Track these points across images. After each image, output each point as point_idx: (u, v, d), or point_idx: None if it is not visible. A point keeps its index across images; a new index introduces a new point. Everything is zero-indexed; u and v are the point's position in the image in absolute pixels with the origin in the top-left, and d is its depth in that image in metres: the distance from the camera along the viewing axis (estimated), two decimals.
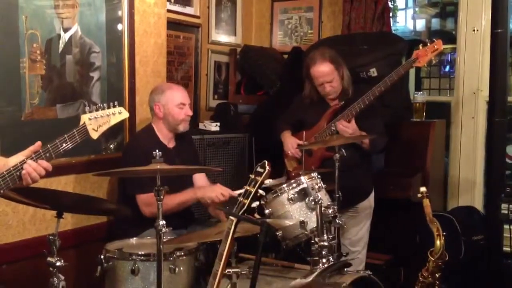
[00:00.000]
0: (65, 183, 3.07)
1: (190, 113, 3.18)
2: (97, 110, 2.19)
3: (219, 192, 2.96)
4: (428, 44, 3.26)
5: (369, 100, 3.26)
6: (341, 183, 3.03)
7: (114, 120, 2.25)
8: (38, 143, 2.08)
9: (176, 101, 3.11)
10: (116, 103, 2.29)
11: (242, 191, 2.96)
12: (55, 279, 2.23)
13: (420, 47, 3.28)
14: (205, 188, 3.10)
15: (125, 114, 2.30)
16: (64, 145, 2.08)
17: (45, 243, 2.26)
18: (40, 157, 2.04)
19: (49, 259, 2.24)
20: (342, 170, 3.03)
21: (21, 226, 2.87)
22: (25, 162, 2.01)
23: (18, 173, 1.99)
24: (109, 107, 2.25)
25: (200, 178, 3.27)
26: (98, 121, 2.18)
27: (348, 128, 3.25)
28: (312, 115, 3.49)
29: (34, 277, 2.77)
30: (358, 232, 3.51)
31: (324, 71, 3.35)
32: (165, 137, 3.15)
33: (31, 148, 2.06)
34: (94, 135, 2.18)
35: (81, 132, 2.14)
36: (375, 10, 4.32)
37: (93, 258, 2.58)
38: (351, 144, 3.23)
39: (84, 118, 2.16)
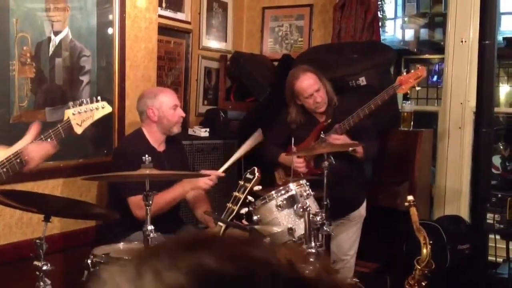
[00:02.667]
0: (52, 187, 3.05)
1: (183, 114, 3.20)
2: (80, 105, 2.20)
3: (205, 178, 2.97)
4: (412, 71, 3.31)
5: (354, 122, 3.28)
6: (334, 194, 3.02)
7: (97, 115, 2.26)
8: (36, 124, 2.10)
9: (169, 103, 3.12)
10: (99, 97, 2.31)
11: (226, 166, 3.01)
12: (41, 283, 2.22)
13: (404, 73, 3.33)
14: (191, 179, 3.08)
15: (108, 109, 2.31)
16: (49, 140, 2.09)
17: (32, 247, 2.24)
18: None
19: (35, 263, 2.22)
20: (334, 180, 3.03)
21: (7, 229, 2.85)
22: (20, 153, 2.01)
23: (18, 160, 2.00)
24: (92, 102, 2.25)
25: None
26: (82, 116, 2.19)
27: (339, 140, 3.25)
28: (300, 133, 3.47)
29: (20, 281, 2.74)
30: (348, 240, 3.52)
31: (310, 82, 3.36)
32: (156, 140, 3.15)
33: (34, 128, 2.08)
34: (78, 130, 2.19)
35: (65, 127, 2.15)
36: (365, 19, 4.35)
37: (80, 263, 2.55)
38: (343, 155, 3.24)
39: (68, 113, 2.16)
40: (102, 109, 2.28)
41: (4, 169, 1.98)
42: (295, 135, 3.47)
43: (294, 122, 3.48)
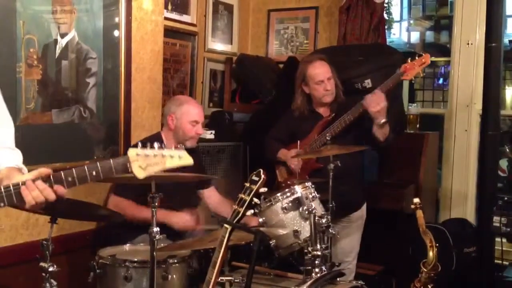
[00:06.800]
0: None
1: (201, 132, 3.16)
2: (152, 147, 1.81)
3: (182, 222, 2.95)
4: (416, 58, 3.31)
5: (358, 113, 3.28)
6: (335, 193, 3.04)
7: (170, 164, 1.84)
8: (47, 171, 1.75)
9: (190, 117, 3.09)
10: (181, 145, 1.93)
11: (211, 227, 2.98)
12: (48, 284, 2.22)
13: (409, 61, 3.32)
14: (171, 213, 2.97)
15: (186, 160, 1.86)
16: (94, 173, 1.73)
17: (38, 248, 2.25)
18: (59, 180, 1.73)
19: (41, 264, 2.23)
20: (335, 179, 3.05)
21: (14, 230, 2.86)
22: (24, 183, 1.70)
23: (17, 191, 1.70)
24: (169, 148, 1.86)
25: (211, 194, 3.31)
26: (148, 159, 1.79)
27: (381, 100, 3.19)
28: (303, 127, 3.51)
29: (26, 282, 2.76)
30: (349, 243, 3.52)
31: (324, 69, 3.42)
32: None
33: (41, 171, 1.75)
34: (140, 174, 1.78)
35: (119, 163, 1.76)
36: (370, 21, 4.35)
37: (85, 264, 2.57)
38: (343, 155, 3.24)
39: (131, 152, 1.78)
40: (179, 159, 1.85)
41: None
42: (298, 130, 3.49)
43: (298, 109, 3.52)
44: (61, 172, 1.74)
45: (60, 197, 1.74)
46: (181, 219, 2.96)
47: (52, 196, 1.72)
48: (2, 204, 1.70)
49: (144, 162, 1.78)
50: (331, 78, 3.43)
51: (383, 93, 3.22)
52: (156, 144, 1.82)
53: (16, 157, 1.93)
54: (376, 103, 3.19)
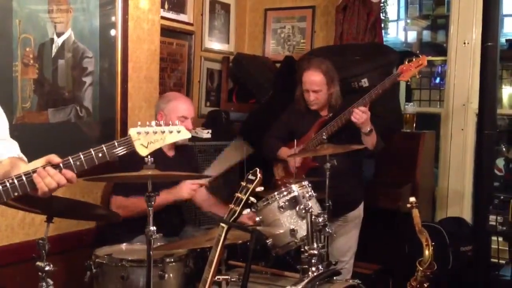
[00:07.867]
0: None
1: (191, 127, 3.16)
2: (150, 125, 1.91)
3: (189, 189, 2.96)
4: (413, 59, 3.33)
5: (347, 119, 3.30)
6: (332, 192, 3.04)
7: (170, 139, 1.95)
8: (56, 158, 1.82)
9: (178, 113, 3.09)
10: (177, 122, 2.03)
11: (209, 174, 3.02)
12: (44, 283, 2.22)
13: (406, 62, 3.34)
14: (174, 190, 3.00)
15: (185, 134, 1.98)
16: (100, 155, 1.81)
17: (34, 248, 2.24)
18: (68, 165, 1.80)
19: (38, 263, 2.22)
20: (333, 178, 3.05)
21: (10, 230, 2.86)
22: (35, 171, 1.76)
23: (29, 179, 1.76)
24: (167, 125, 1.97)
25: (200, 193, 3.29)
26: (149, 137, 1.89)
27: (364, 113, 3.23)
28: (303, 126, 3.53)
29: (23, 282, 2.75)
30: (346, 242, 3.53)
31: (313, 80, 3.42)
32: (165, 145, 3.14)
33: (49, 158, 1.82)
34: (143, 152, 1.89)
35: (123, 144, 1.86)
36: (367, 21, 4.35)
37: (82, 263, 2.57)
38: (342, 153, 3.24)
39: (132, 131, 1.88)
40: (178, 133, 1.95)
41: (12, 187, 1.75)
42: (298, 128, 3.50)
43: (298, 100, 3.55)
44: (69, 157, 1.80)
45: (70, 181, 1.80)
46: (184, 187, 2.97)
47: (63, 181, 1.78)
48: (16, 194, 1.75)
49: (145, 140, 1.89)
50: (319, 91, 3.41)
51: (365, 106, 3.25)
52: (154, 122, 1.91)
53: (14, 147, 1.97)
54: (358, 115, 3.23)
